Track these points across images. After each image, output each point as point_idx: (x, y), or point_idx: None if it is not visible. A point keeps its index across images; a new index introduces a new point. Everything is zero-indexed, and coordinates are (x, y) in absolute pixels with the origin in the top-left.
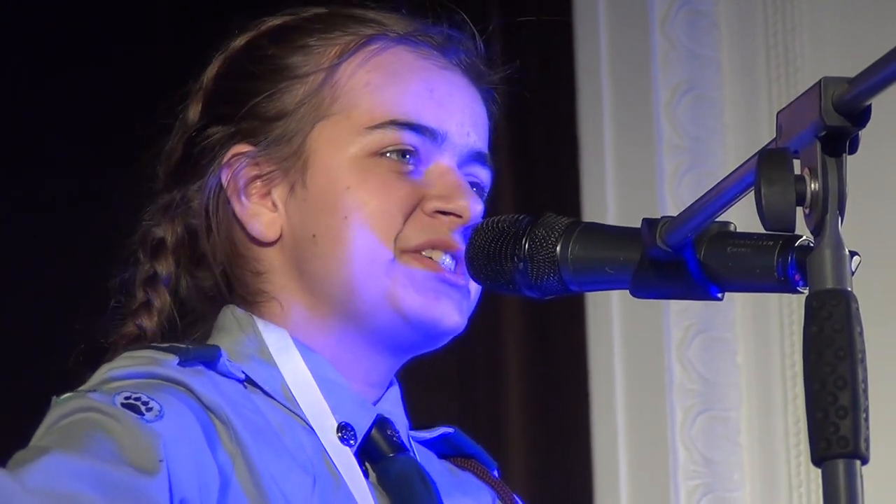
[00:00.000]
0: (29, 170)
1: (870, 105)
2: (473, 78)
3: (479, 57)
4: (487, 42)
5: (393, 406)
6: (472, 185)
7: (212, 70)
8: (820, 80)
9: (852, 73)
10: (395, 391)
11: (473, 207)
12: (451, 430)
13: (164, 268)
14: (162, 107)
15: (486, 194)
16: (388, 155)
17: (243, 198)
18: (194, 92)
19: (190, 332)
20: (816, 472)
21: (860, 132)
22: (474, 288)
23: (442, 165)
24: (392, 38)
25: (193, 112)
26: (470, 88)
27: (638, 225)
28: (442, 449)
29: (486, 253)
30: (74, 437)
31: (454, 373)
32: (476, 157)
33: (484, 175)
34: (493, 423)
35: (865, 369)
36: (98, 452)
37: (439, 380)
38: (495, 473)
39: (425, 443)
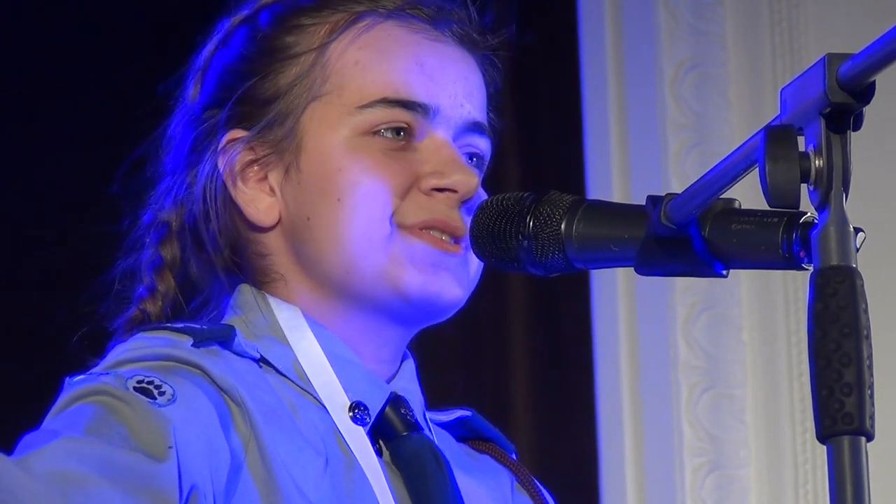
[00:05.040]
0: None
1: (874, 81)
2: (468, 47)
3: (473, 25)
4: (482, 9)
5: (408, 382)
6: (472, 155)
7: (209, 51)
8: (824, 56)
9: (857, 49)
10: (409, 365)
11: (468, 181)
12: (468, 412)
13: (169, 252)
14: (160, 88)
15: (486, 164)
16: (380, 133)
17: (240, 183)
18: (193, 72)
19: (201, 314)
20: (822, 450)
21: (865, 108)
22: (474, 261)
23: (437, 139)
24: (381, 14)
25: (193, 94)
26: (464, 59)
27: (643, 202)
28: (459, 432)
29: (490, 231)
30: (85, 420)
31: (459, 349)
32: (472, 128)
33: (483, 144)
34: (498, 400)
35: (870, 346)
36: (108, 436)
37: (444, 356)
38: (513, 456)
39: (442, 425)
